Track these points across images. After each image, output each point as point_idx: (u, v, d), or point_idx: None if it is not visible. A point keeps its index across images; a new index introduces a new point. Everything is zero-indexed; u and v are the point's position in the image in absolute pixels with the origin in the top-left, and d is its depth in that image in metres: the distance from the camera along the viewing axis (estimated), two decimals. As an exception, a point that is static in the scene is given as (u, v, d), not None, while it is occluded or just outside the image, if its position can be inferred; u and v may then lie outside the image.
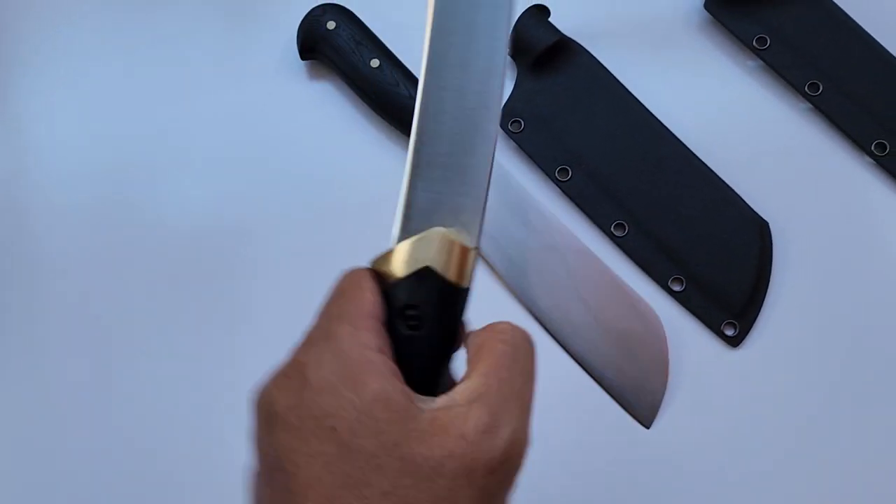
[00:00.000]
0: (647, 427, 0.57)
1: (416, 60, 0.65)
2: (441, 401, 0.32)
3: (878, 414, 0.57)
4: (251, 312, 0.62)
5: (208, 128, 0.67)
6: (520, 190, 0.63)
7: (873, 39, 0.63)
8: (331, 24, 0.65)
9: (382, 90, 0.63)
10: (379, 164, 0.65)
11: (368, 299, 0.34)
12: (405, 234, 0.36)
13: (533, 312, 0.60)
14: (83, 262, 0.64)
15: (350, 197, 0.64)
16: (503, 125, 0.64)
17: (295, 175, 0.65)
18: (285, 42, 0.68)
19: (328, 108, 0.67)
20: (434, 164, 0.37)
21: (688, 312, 0.60)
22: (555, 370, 0.59)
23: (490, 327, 0.35)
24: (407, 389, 0.32)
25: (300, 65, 0.68)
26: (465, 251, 0.36)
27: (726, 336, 0.59)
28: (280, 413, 0.32)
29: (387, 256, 0.36)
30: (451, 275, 0.35)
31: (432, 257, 0.35)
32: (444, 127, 0.37)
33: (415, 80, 0.64)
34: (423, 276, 0.35)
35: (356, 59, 0.64)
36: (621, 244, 0.61)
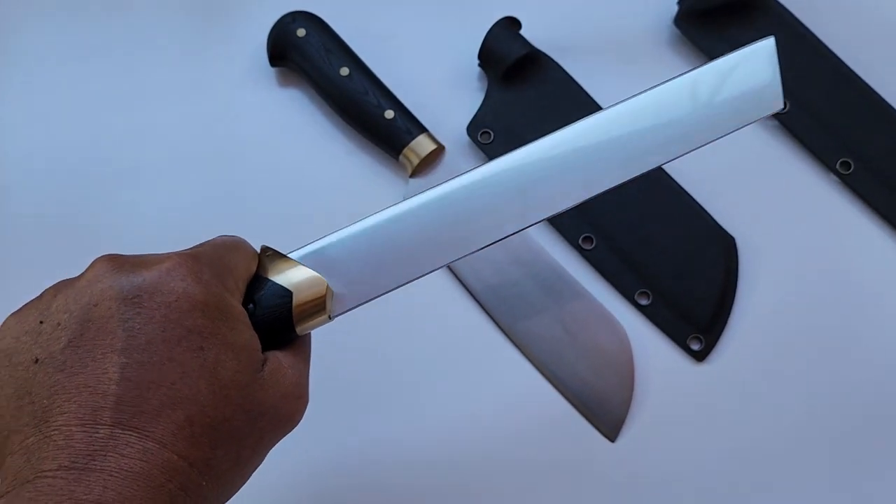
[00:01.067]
0: (612, 440, 0.57)
1: (385, 70, 0.66)
2: (273, 362, 0.38)
3: (842, 427, 0.57)
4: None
5: (176, 134, 0.66)
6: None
7: (839, 59, 0.64)
8: (301, 32, 0.64)
9: (351, 98, 0.63)
10: (347, 172, 0.64)
11: (251, 268, 0.40)
12: (306, 260, 0.40)
13: (499, 324, 0.60)
14: (44, 268, 0.63)
15: (318, 204, 0.63)
16: (473, 136, 0.63)
17: (263, 182, 0.65)
18: (255, 49, 0.67)
19: (297, 116, 0.66)
20: (359, 254, 0.41)
21: (654, 326, 0.60)
22: (519, 383, 0.59)
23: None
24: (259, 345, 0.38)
25: (270, 71, 0.67)
26: (322, 315, 0.40)
27: (692, 350, 0.59)
28: (156, 297, 0.35)
29: (277, 256, 0.41)
30: (296, 317, 0.40)
31: (301, 291, 0.40)
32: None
33: (384, 89, 0.64)
34: (281, 296, 0.39)
35: (326, 66, 0.64)
36: (589, 257, 0.61)
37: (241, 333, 0.36)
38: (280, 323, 0.39)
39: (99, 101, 0.67)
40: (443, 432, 0.57)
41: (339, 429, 0.58)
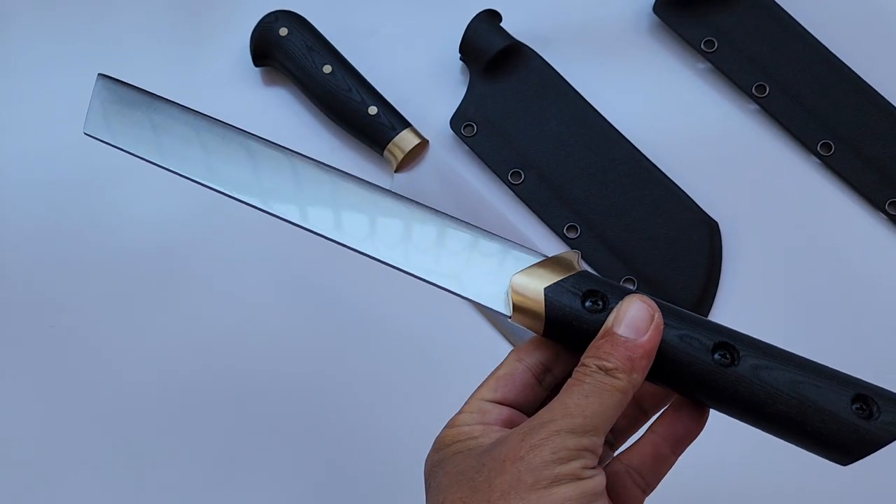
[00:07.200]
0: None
1: (369, 66, 0.66)
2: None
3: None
4: (201, 321, 0.62)
5: (163, 135, 0.67)
6: (474, 195, 0.63)
7: (817, 41, 0.64)
8: (283, 31, 0.65)
9: (335, 95, 0.64)
10: (333, 170, 0.65)
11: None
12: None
13: (484, 314, 0.60)
14: (34, 274, 0.64)
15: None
16: (456, 129, 0.64)
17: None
18: (239, 49, 0.68)
19: (282, 114, 0.67)
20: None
21: (640, 312, 0.60)
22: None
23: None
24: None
25: (254, 71, 0.68)
26: None
27: (678, 335, 0.59)
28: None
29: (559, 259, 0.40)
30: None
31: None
32: None
33: (367, 85, 0.64)
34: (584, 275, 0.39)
35: (308, 64, 0.64)
36: (574, 246, 0.62)
37: None
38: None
39: (85, 108, 0.68)
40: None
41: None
